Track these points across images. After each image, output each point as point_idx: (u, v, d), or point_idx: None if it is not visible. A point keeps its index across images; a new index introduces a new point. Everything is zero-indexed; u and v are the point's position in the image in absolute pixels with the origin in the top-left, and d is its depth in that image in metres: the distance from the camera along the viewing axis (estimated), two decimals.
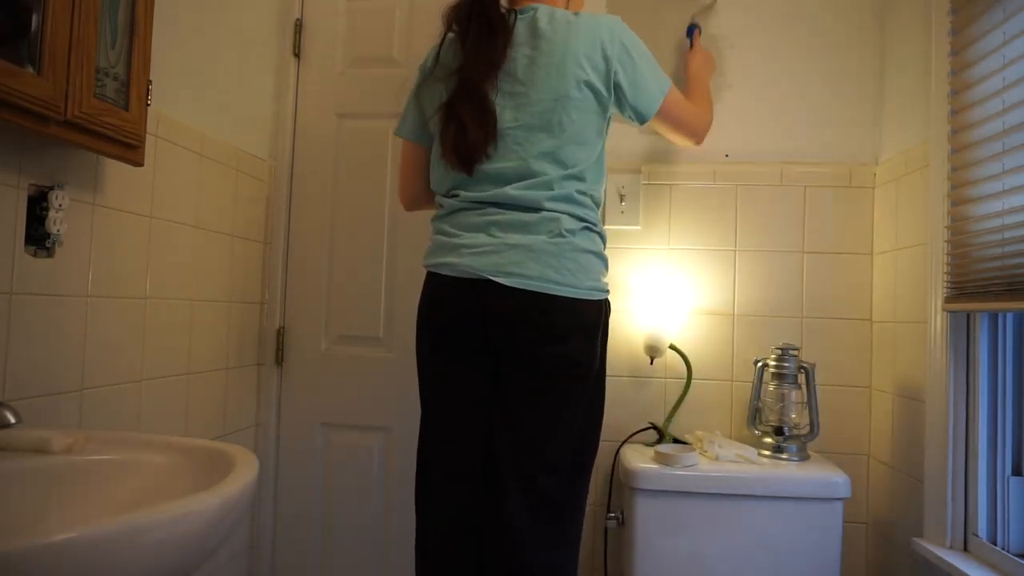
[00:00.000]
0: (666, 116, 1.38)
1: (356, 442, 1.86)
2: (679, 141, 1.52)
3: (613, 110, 1.31)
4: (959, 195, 1.37)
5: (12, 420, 0.92)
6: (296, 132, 1.92)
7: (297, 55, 1.92)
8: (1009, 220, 1.22)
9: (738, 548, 1.49)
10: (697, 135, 1.50)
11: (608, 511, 1.71)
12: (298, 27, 1.92)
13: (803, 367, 1.64)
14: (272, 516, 1.88)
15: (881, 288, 1.71)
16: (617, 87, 1.27)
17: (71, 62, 1.01)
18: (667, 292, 1.75)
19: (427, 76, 1.34)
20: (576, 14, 1.29)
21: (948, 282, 1.38)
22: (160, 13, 1.29)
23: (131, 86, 1.16)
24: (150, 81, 1.21)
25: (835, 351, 1.74)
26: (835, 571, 1.48)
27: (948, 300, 1.38)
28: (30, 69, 0.95)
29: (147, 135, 1.25)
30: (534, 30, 1.26)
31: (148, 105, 1.21)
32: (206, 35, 1.56)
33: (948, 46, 1.41)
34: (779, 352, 1.64)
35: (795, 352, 1.64)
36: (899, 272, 1.61)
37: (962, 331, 1.38)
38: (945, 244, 1.39)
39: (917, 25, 1.58)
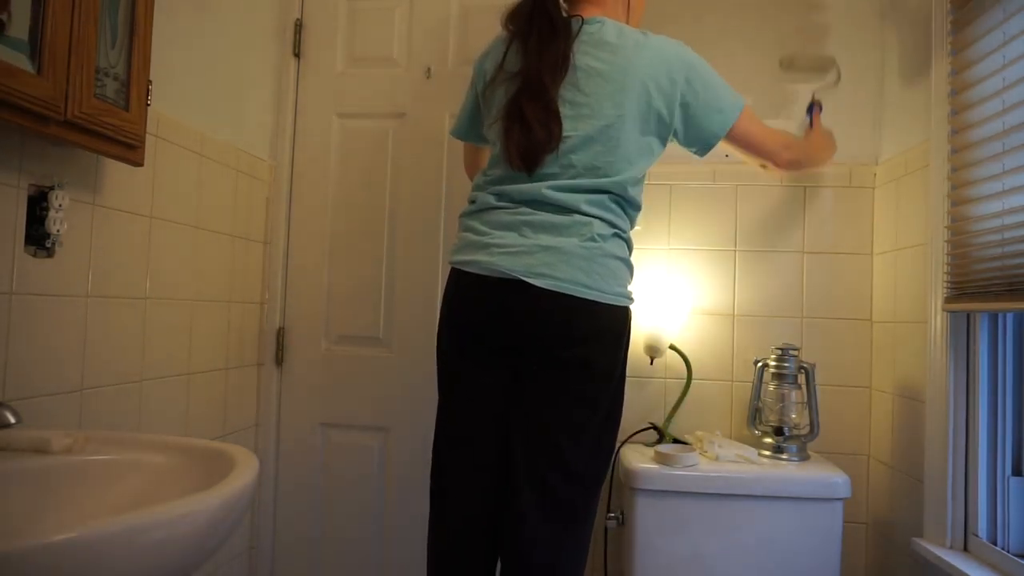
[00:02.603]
0: (736, 138, 1.33)
1: (356, 442, 1.85)
2: (755, 164, 1.44)
3: (672, 138, 1.30)
4: (959, 195, 1.37)
5: (12, 420, 0.92)
6: (296, 132, 1.92)
7: (297, 55, 1.92)
8: (1009, 220, 1.22)
9: (738, 548, 1.49)
10: (776, 156, 1.38)
11: (608, 511, 1.71)
12: (298, 27, 1.92)
13: (803, 367, 1.64)
14: (272, 516, 1.88)
15: (881, 288, 1.71)
16: (684, 109, 1.26)
17: (71, 62, 1.01)
18: (667, 292, 1.75)
19: (491, 78, 1.30)
20: (644, 34, 1.27)
21: (948, 282, 1.38)
22: (160, 13, 1.28)
23: (131, 86, 1.16)
24: (150, 81, 1.21)
25: (835, 351, 1.74)
26: (835, 571, 1.48)
27: (948, 300, 1.38)
28: (30, 69, 0.95)
29: (147, 135, 1.25)
30: (602, 43, 1.24)
31: (148, 105, 1.21)
32: (206, 35, 1.56)
33: (948, 46, 1.41)
34: (779, 352, 1.64)
35: (795, 352, 1.64)
36: (899, 272, 1.61)
37: (962, 331, 1.38)
38: (945, 244, 1.39)
39: (917, 25, 1.58)
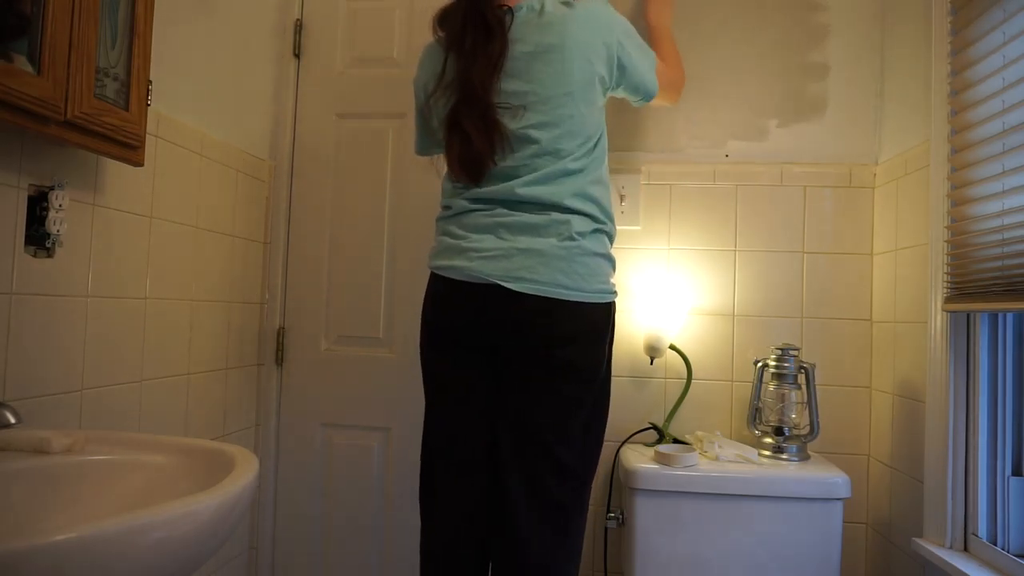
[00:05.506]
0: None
1: (356, 442, 1.86)
2: (658, 104, 1.57)
3: (612, 93, 1.35)
4: (959, 195, 1.37)
5: (12, 420, 0.92)
6: (296, 132, 1.92)
7: (297, 55, 1.92)
8: (1009, 220, 1.22)
9: (738, 548, 1.49)
10: (675, 95, 1.60)
11: (608, 511, 1.71)
12: (298, 27, 1.92)
13: (803, 367, 1.64)
14: (272, 516, 1.88)
15: (881, 288, 1.71)
16: (621, 71, 1.31)
17: (71, 62, 1.01)
18: (667, 292, 1.75)
19: (432, 90, 1.29)
20: (568, 4, 1.27)
21: (948, 282, 1.38)
22: (160, 13, 1.28)
23: (131, 86, 1.16)
24: (150, 81, 1.21)
25: (835, 351, 1.74)
26: (835, 571, 1.48)
27: (948, 300, 1.38)
28: (30, 69, 0.95)
29: (147, 135, 1.25)
30: (531, 25, 1.23)
31: (148, 105, 1.21)
32: (206, 35, 1.56)
33: (948, 46, 1.41)
34: (779, 352, 1.64)
35: (795, 352, 1.64)
36: (899, 272, 1.61)
37: (962, 331, 1.38)
38: (945, 244, 1.39)
39: (917, 25, 1.58)
